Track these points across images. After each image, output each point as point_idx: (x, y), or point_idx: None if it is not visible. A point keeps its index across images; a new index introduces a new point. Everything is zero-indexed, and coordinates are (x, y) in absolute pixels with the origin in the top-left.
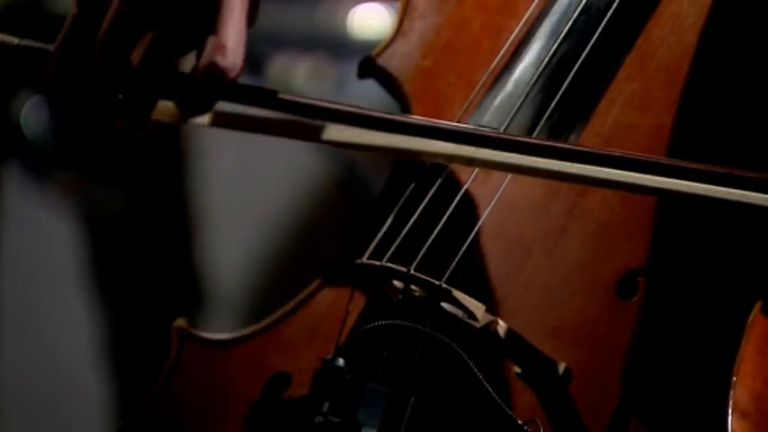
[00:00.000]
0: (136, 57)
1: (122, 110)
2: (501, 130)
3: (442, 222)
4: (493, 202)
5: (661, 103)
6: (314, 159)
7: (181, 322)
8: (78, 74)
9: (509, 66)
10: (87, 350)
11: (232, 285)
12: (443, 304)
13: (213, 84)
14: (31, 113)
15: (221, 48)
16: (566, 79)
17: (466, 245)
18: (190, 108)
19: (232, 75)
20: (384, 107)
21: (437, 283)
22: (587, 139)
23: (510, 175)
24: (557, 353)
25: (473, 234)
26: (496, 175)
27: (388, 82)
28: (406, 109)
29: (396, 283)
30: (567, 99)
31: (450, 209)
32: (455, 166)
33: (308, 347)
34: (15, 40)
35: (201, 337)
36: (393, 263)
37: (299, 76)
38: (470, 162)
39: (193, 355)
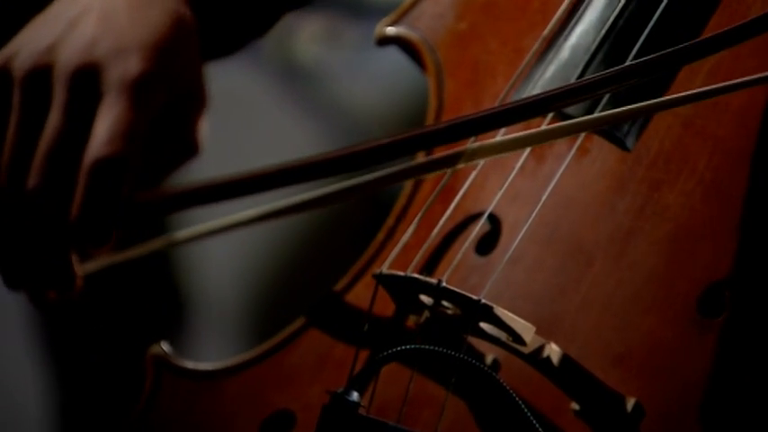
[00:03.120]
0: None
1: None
2: None
3: (480, 223)
4: (544, 198)
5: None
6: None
7: (158, 349)
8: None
9: (564, 29)
10: (45, 381)
11: (222, 303)
12: (482, 324)
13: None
14: None
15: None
16: (635, 45)
17: (510, 251)
18: (93, 239)
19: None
20: (409, 77)
21: (475, 297)
22: (663, 119)
23: (565, 165)
24: (623, 385)
25: (519, 237)
26: (548, 164)
27: (413, 51)
28: (437, 82)
29: (423, 297)
30: None
31: (491, 207)
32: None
33: (316, 379)
34: None
35: (183, 367)
36: (420, 273)
37: (311, 40)
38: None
39: (173, 388)
